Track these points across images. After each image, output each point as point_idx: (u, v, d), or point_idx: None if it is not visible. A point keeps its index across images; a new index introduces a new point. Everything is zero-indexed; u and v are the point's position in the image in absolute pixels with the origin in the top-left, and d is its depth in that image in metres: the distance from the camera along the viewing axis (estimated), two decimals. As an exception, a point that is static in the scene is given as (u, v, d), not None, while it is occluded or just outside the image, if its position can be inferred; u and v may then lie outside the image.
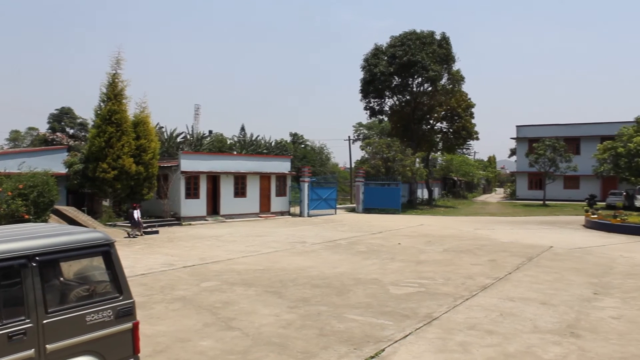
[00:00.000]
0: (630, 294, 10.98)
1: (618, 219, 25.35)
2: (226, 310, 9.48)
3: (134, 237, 20.99)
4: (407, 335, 8.01)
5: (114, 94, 24.58)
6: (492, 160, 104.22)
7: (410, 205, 43.11)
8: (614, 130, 49.01)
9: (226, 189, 29.82)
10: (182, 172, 27.15)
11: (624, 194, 43.37)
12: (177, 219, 26.55)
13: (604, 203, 44.52)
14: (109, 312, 5.08)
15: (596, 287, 11.62)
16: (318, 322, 8.69)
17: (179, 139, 47.26)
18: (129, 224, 21.85)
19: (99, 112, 24.64)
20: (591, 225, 26.47)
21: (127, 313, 5.25)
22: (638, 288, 11.61)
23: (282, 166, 33.83)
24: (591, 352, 7.32)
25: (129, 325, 5.25)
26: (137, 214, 21.55)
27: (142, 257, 15.76)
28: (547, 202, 49.04)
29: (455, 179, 67.90)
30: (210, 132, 57.53)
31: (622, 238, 21.80)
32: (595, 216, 27.40)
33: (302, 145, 72.93)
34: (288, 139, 71.51)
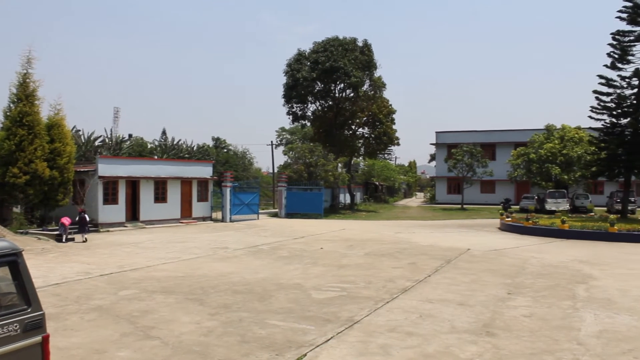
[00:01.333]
0: (541, 293, 11.47)
1: (530, 221, 26.52)
2: (145, 319, 9.18)
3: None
4: (328, 340, 8.02)
5: (25, 95, 23.40)
6: (412, 165, 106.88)
7: (333, 210, 43.47)
8: (527, 137, 51.35)
9: (146, 194, 29.01)
10: (100, 177, 26.18)
11: (536, 198, 45.46)
12: (95, 226, 25.56)
13: (518, 206, 46.51)
14: (16, 326, 4.78)
15: (510, 287, 12.08)
16: (239, 329, 8.57)
17: (97, 143, 45.63)
18: (58, 231, 21.38)
19: (8, 113, 23.39)
20: (506, 228, 27.56)
21: (36, 326, 4.95)
22: (548, 287, 12.15)
23: (204, 171, 33.29)
24: (505, 349, 7.57)
25: (37, 338, 4.96)
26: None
27: (57, 266, 15.06)
28: (465, 205, 50.67)
29: (377, 183, 69.07)
30: (130, 135, 55.90)
31: (534, 240, 22.82)
32: (510, 219, 28.58)
33: (225, 150, 72.25)
34: (210, 143, 70.66)
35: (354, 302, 10.55)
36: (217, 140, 74.39)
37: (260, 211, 39.06)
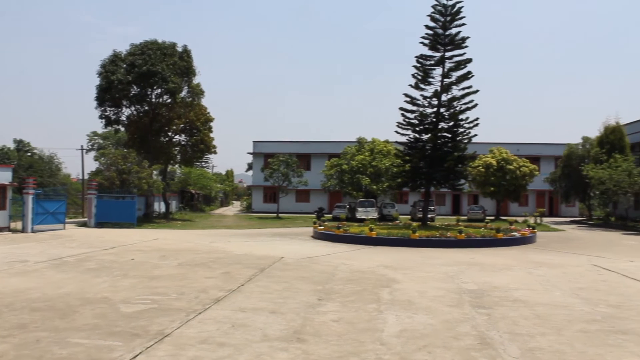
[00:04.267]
0: (349, 298, 11.96)
1: (341, 229, 27.75)
2: None
3: None
4: (136, 356, 7.57)
5: None
6: (230, 174, 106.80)
7: (147, 219, 41.85)
8: (340, 149, 53.90)
9: None
10: None
11: (347, 206, 47.83)
12: None
13: (331, 215, 48.55)
14: None
15: (320, 294, 12.43)
16: (36, 351, 7.75)
17: None
18: None
19: None
20: (318, 236, 28.53)
21: None
22: (355, 292, 12.72)
23: (2, 176, 30.18)
24: (314, 354, 7.72)
25: None
26: None
27: None
28: (280, 214, 51.68)
29: (193, 192, 67.96)
30: None
31: (344, 247, 23.87)
32: (322, 227, 29.64)
33: (29, 154, 66.50)
34: (11, 145, 64.57)
35: (165, 314, 10.12)
36: (19, 142, 68.21)
37: (68, 220, 36.42)
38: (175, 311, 10.40)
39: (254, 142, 63.89)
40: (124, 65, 41.22)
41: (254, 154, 64.02)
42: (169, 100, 43.15)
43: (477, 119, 31.82)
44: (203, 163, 73.29)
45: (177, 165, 60.30)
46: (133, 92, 41.93)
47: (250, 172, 73.81)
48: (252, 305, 10.96)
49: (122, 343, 8.19)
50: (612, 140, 45.31)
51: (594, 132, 54.42)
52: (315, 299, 11.77)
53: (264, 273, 15.58)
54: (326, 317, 10.09)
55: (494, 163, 47.10)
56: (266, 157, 59.99)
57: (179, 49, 43.09)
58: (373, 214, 43.03)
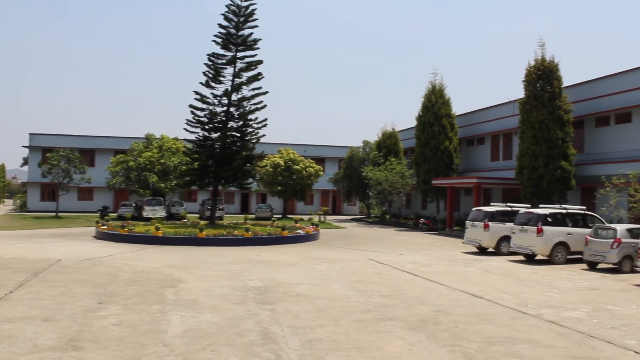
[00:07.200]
0: (132, 300, 11.58)
1: (126, 229, 26.69)
2: None
3: None
4: None
5: None
6: (1, 169, 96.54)
7: None
8: (127, 145, 51.79)
9: None
10: None
11: (134, 205, 46.09)
12: None
13: (116, 214, 46.39)
14: None
15: (101, 297, 11.85)
16: None
17: None
18: None
19: None
20: (102, 236, 27.10)
21: None
22: (139, 294, 12.35)
23: None
24: (91, 362, 7.37)
25: None
26: None
27: None
28: (60, 213, 48.08)
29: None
30: None
31: (129, 247, 22.97)
32: (105, 227, 28.21)
33: None
34: None
35: None
36: None
37: None
38: None
39: (30, 134, 58.39)
40: None
41: (31, 147, 58.52)
42: None
43: (265, 119, 32.79)
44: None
45: None
46: None
47: (26, 168, 67.38)
48: (22, 314, 10.07)
49: None
50: (389, 144, 49.53)
51: (374, 137, 58.88)
52: (96, 303, 11.20)
53: (38, 277, 14.39)
54: (106, 321, 9.66)
55: (282, 163, 48.76)
56: (44, 151, 55.29)
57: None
58: (160, 212, 41.96)
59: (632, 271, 17.48)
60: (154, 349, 8.04)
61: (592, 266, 18.96)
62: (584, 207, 22.79)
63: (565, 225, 20.60)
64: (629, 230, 18.26)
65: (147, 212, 41.51)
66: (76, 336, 8.63)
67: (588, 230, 19.68)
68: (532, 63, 30.55)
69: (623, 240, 17.78)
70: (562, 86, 30.03)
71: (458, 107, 66.96)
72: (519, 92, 31.88)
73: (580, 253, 19.62)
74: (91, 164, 56.19)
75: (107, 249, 22.24)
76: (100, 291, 12.59)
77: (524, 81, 30.70)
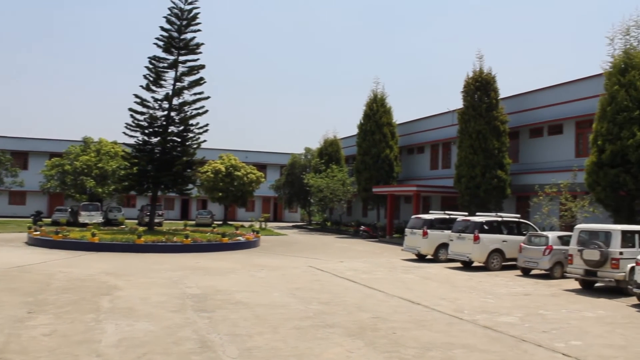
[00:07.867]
0: (64, 309, 11.20)
1: (60, 235, 25.84)
2: None
3: None
4: None
5: None
6: None
7: None
8: (63, 148, 50.24)
9: None
10: None
11: (70, 210, 44.70)
12: None
13: (50, 219, 44.84)
14: None
15: (31, 306, 11.41)
16: None
17: None
18: None
19: None
20: (34, 242, 26.13)
21: None
22: (72, 302, 11.96)
23: None
24: (18, 374, 7.07)
25: None
26: None
27: None
28: (-11, 218, 46.14)
29: None
30: None
31: (64, 254, 22.23)
32: (38, 232, 27.22)
33: None
34: None
35: None
36: None
37: None
38: None
39: (-44, 135, 56.00)
40: None
41: (-43, 149, 56.11)
42: None
43: (207, 124, 32.45)
44: None
45: None
46: None
47: (-48, 170, 64.40)
48: (-56, 324, 9.60)
49: None
50: (331, 152, 49.87)
51: (316, 144, 59.18)
52: (25, 312, 10.77)
53: (-37, 286, 13.75)
54: (36, 331, 9.31)
55: (223, 169, 48.31)
56: (-28, 153, 53.11)
57: None
58: (97, 218, 40.74)
59: (563, 277, 18.10)
60: (86, 359, 7.79)
61: (526, 272, 19.61)
62: (519, 215, 23.57)
63: (501, 232, 21.24)
64: (560, 237, 18.98)
65: (84, 217, 40.26)
66: (3, 348, 8.28)
67: (522, 238, 20.33)
68: (471, 74, 31.43)
69: (554, 247, 18.48)
70: (499, 97, 31.00)
71: (399, 116, 67.94)
72: (458, 102, 32.72)
73: (515, 260, 20.22)
74: (24, 167, 54.28)
75: (40, 255, 21.45)
76: (31, 300, 12.12)
77: (462, 92, 31.53)
